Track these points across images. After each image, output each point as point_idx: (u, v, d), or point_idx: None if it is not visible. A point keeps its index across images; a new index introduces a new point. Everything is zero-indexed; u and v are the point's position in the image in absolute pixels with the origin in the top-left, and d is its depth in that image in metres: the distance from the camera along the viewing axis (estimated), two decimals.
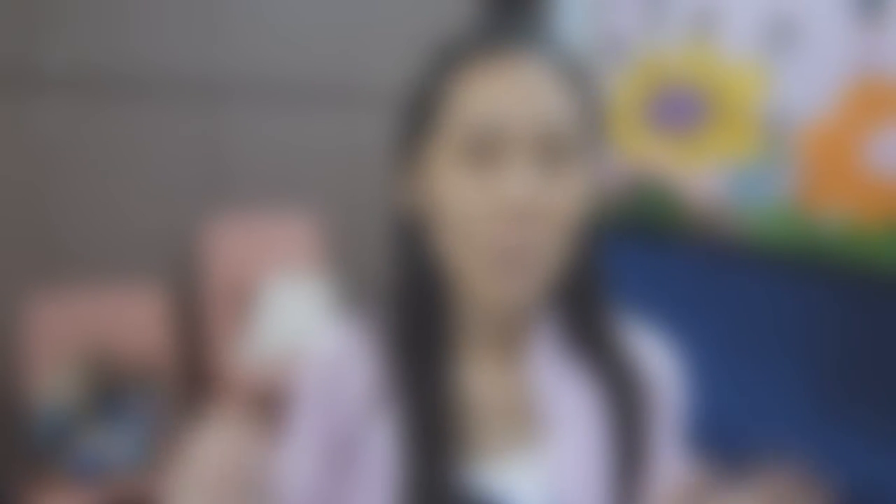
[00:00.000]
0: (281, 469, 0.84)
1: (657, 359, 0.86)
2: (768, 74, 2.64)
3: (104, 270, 2.95)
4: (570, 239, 0.75)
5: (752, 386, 2.59)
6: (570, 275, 0.81)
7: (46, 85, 2.84)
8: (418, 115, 0.78)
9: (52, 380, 2.56)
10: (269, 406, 2.47)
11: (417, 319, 0.81)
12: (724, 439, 2.37)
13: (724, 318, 2.70)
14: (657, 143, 3.08)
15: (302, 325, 2.89)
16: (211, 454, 0.71)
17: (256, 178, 3.33)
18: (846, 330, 2.37)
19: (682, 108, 2.97)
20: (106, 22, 2.93)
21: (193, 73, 3.14)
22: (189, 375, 3.06)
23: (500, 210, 0.71)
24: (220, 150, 3.25)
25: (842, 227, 2.42)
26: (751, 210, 2.70)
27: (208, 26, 3.16)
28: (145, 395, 2.63)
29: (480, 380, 0.81)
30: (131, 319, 2.83)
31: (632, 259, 2.95)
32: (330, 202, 3.46)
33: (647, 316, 0.90)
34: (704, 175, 2.88)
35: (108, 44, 2.95)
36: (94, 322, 2.75)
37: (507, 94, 0.72)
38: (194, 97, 3.16)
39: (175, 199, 3.14)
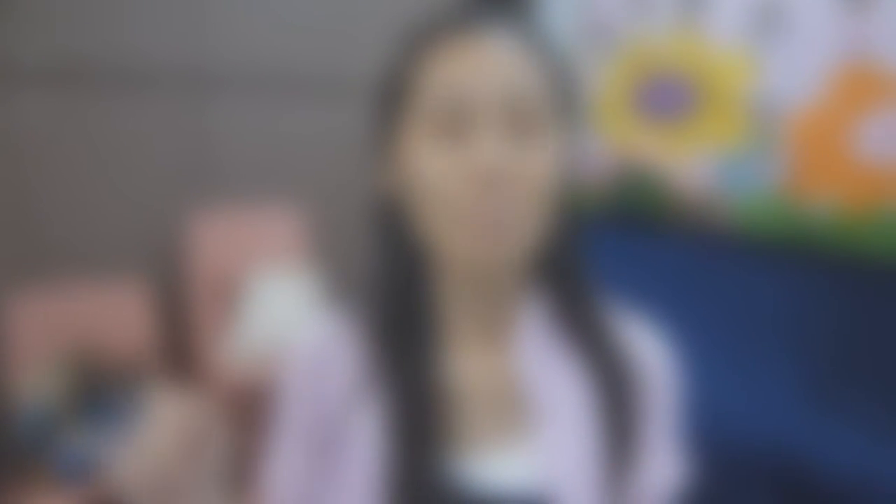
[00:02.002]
0: (266, 461, 0.84)
1: (647, 346, 0.86)
2: (756, 61, 2.63)
3: (88, 265, 2.91)
4: (543, 206, 0.76)
5: (742, 375, 2.59)
6: (553, 259, 0.82)
7: (28, 78, 2.80)
8: (391, 98, 0.80)
9: (36, 377, 2.53)
10: (255, 401, 2.45)
11: (401, 305, 0.82)
12: (714, 428, 2.37)
13: (713, 307, 2.70)
14: (645, 131, 3.07)
15: (288, 319, 2.87)
16: (169, 420, 0.71)
17: (242, 170, 3.31)
18: (837, 317, 2.37)
19: (669, 96, 2.96)
20: (89, 13, 2.89)
21: (178, 65, 3.11)
22: (174, 371, 3.04)
23: (471, 176, 0.73)
24: (206, 143, 3.22)
25: (831, 213, 2.41)
26: (740, 198, 2.69)
27: (193, 17, 3.13)
28: (129, 393, 2.60)
29: (467, 366, 0.81)
30: (115, 315, 2.80)
31: (621, 248, 2.95)
32: (316, 195, 3.43)
33: (636, 305, 0.89)
34: (693, 163, 2.87)
35: (92, 36, 2.91)
36: (78, 318, 2.72)
37: (473, 67, 0.75)
38: (179, 90, 3.12)
39: (159, 192, 3.11)
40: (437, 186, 0.74)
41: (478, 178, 0.72)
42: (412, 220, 0.79)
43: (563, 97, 0.79)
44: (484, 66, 0.74)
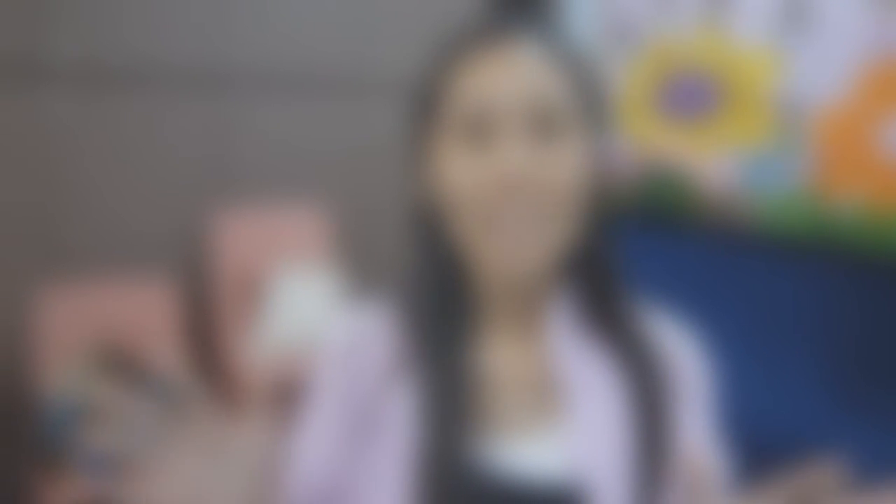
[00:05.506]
0: (298, 444, 0.85)
1: (677, 342, 0.87)
2: (781, 59, 2.61)
3: (112, 264, 2.94)
4: (571, 209, 0.78)
5: (766, 372, 2.57)
6: (584, 254, 0.83)
7: (52, 78, 2.83)
8: (423, 108, 0.83)
9: (62, 375, 2.56)
10: (281, 398, 2.47)
11: (436, 298, 0.84)
12: (740, 426, 2.35)
13: (738, 306, 2.68)
14: (670, 130, 3.05)
15: (312, 316, 2.88)
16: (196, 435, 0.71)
17: (264, 169, 3.32)
18: (862, 315, 2.35)
19: (694, 94, 2.94)
20: (112, 14, 2.92)
21: (201, 64, 3.13)
22: (200, 368, 3.06)
23: (495, 182, 0.75)
24: (228, 142, 3.24)
25: (857, 212, 2.39)
26: (765, 196, 2.67)
27: (215, 18, 3.15)
28: (156, 389, 2.62)
29: (500, 355, 0.83)
30: (141, 312, 2.82)
31: (646, 247, 2.93)
32: (337, 193, 3.44)
33: (662, 304, 0.90)
34: (718, 162, 2.85)
35: (115, 36, 2.94)
36: (104, 316, 2.74)
37: (498, 75, 0.77)
38: (201, 89, 3.14)
39: (183, 191, 3.13)
40: (461, 190, 0.77)
41: (500, 183, 0.75)
42: (447, 226, 0.81)
43: (588, 101, 0.81)
44: (509, 73, 0.77)
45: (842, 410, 2.34)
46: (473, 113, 0.76)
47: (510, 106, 0.75)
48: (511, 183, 0.74)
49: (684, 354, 0.87)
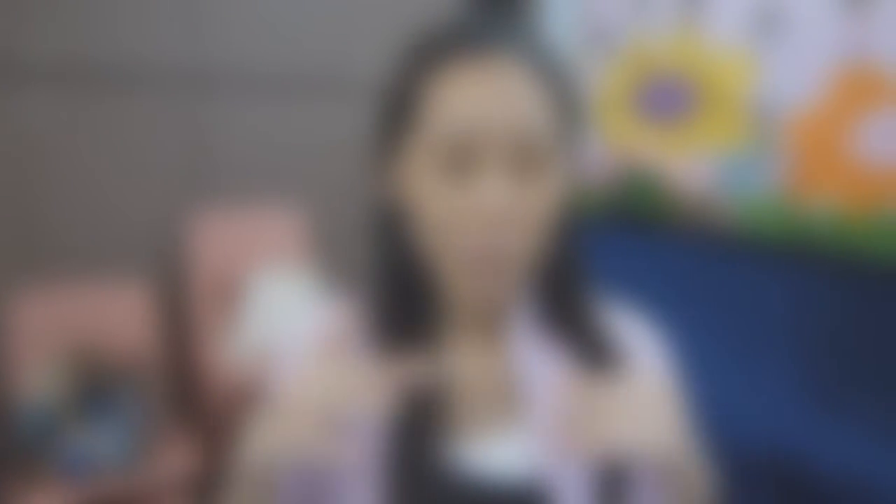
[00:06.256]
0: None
1: (642, 343, 0.88)
2: (756, 63, 2.63)
3: (89, 264, 2.92)
4: (544, 238, 0.77)
5: (743, 375, 2.59)
6: (548, 260, 0.83)
7: (31, 77, 2.80)
8: (395, 113, 0.79)
9: (38, 376, 2.53)
10: (255, 400, 2.45)
11: (399, 303, 0.83)
12: (714, 428, 2.38)
13: (714, 308, 2.70)
14: (646, 132, 3.07)
15: (289, 319, 2.87)
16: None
17: (243, 170, 3.31)
18: (837, 317, 2.37)
19: (670, 97, 2.97)
20: (91, 14, 2.90)
21: (179, 65, 3.11)
22: (175, 370, 3.04)
23: (475, 218, 0.73)
24: (207, 143, 3.22)
25: (831, 214, 2.42)
26: (740, 199, 2.69)
27: (194, 18, 3.13)
28: (131, 391, 2.60)
29: (463, 361, 0.84)
30: (117, 314, 2.81)
31: (621, 249, 2.95)
32: (316, 194, 3.44)
33: (636, 305, 0.90)
34: (693, 164, 2.88)
35: (94, 36, 2.91)
36: (79, 317, 2.72)
37: (482, 99, 0.73)
38: (180, 89, 3.13)
39: (161, 192, 3.11)
40: (437, 220, 0.74)
41: (480, 219, 0.72)
42: (411, 233, 0.80)
43: (569, 115, 0.79)
44: (493, 99, 0.72)
45: (818, 412, 2.36)
46: (454, 137, 0.72)
47: (494, 135, 0.72)
48: (489, 220, 0.72)
49: (650, 356, 0.87)
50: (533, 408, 0.81)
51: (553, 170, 0.76)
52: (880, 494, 2.04)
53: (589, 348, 0.83)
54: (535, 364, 0.83)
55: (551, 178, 0.75)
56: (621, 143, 3.17)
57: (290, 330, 0.88)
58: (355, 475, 0.79)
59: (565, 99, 0.78)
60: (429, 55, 0.77)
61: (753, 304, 2.60)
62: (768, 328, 2.55)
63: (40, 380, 2.52)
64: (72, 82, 2.89)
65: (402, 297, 0.83)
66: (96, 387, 2.56)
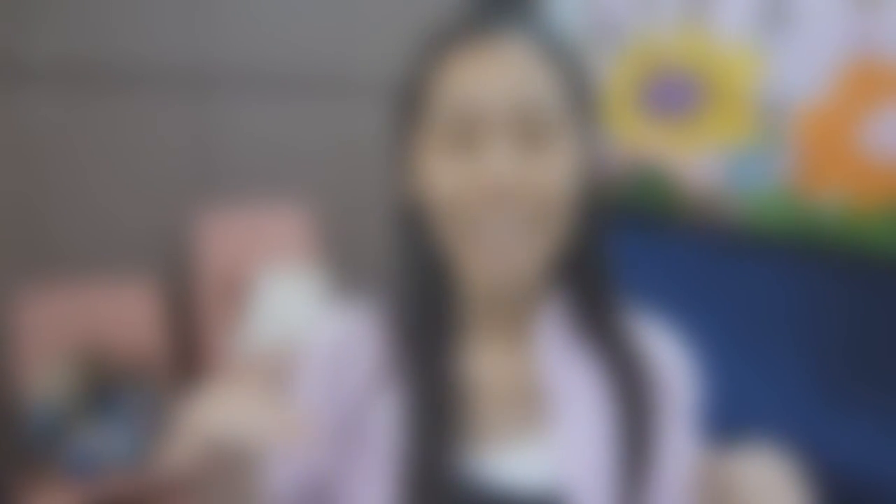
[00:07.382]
0: (281, 452, 0.84)
1: (664, 348, 0.86)
2: (763, 57, 2.62)
3: (95, 265, 2.92)
4: (559, 216, 0.75)
5: (751, 370, 2.58)
6: (573, 259, 0.82)
7: (33, 78, 2.80)
8: (407, 106, 0.80)
9: (45, 376, 2.54)
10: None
11: (422, 303, 0.82)
12: (724, 426, 2.37)
13: (722, 304, 2.69)
14: (653, 128, 3.06)
15: (297, 318, 2.87)
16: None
17: (248, 170, 3.31)
18: (845, 313, 2.36)
19: (677, 92, 2.95)
20: (93, 13, 2.90)
21: (183, 64, 3.11)
22: (182, 371, 3.04)
23: (480, 189, 0.72)
24: (211, 143, 3.22)
25: (839, 210, 2.40)
26: (748, 194, 2.68)
27: (197, 17, 3.13)
28: (138, 392, 2.60)
29: (486, 363, 0.82)
30: (123, 314, 2.81)
31: (629, 245, 2.94)
32: (322, 193, 3.43)
33: (645, 303, 0.89)
34: (701, 160, 2.86)
35: (96, 35, 2.91)
36: (86, 318, 2.72)
37: (484, 76, 0.73)
38: (184, 89, 3.13)
39: (166, 192, 3.11)
40: (446, 197, 0.74)
41: (486, 191, 0.72)
42: (430, 229, 0.79)
43: (578, 99, 0.78)
44: (496, 75, 0.73)
45: (827, 408, 2.35)
46: (459, 114, 0.73)
47: (497, 109, 0.72)
48: (496, 191, 0.72)
49: (672, 364, 0.86)
50: (557, 415, 0.79)
51: (563, 146, 0.75)
52: (891, 487, 2.03)
53: (615, 355, 0.82)
54: (564, 372, 0.81)
55: (561, 154, 0.74)
56: (628, 140, 3.16)
57: (307, 333, 0.87)
58: (365, 482, 0.77)
59: (574, 80, 0.78)
60: (437, 46, 0.78)
61: (762, 299, 2.59)
62: (777, 323, 2.54)
63: (47, 380, 2.52)
64: (72, 82, 2.89)
65: (424, 293, 0.82)
66: (103, 387, 2.57)
